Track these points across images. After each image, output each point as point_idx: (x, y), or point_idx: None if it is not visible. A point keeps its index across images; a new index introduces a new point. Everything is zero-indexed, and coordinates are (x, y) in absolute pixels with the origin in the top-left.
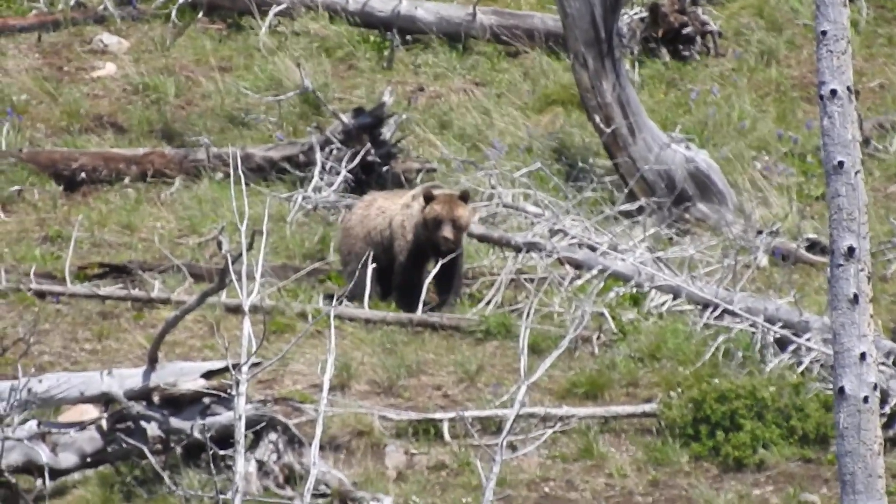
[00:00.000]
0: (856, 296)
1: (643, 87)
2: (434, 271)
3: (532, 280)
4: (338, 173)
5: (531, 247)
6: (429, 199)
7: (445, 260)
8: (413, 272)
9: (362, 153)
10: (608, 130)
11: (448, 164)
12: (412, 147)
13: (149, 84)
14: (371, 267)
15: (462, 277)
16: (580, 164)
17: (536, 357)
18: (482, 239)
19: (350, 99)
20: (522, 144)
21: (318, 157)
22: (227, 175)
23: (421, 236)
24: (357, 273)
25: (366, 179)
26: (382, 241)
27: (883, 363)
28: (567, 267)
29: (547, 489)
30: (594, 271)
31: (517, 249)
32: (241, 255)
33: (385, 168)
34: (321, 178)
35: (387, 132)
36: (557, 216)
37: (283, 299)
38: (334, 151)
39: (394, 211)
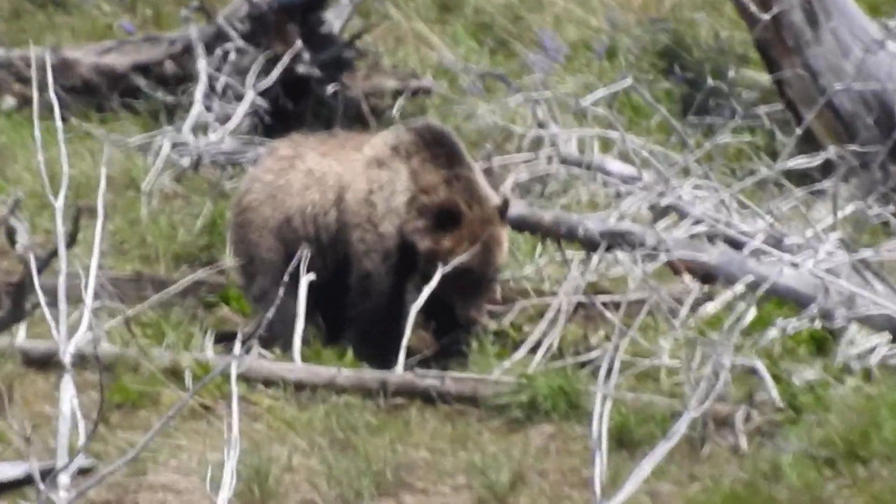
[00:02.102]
0: None
1: None
2: (425, 292)
3: (617, 305)
4: (239, 98)
5: (616, 240)
6: (446, 218)
7: (448, 269)
8: (389, 293)
9: (286, 59)
10: (765, 17)
11: (454, 82)
12: (384, 49)
13: None
14: (305, 279)
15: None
16: (710, 82)
17: (627, 456)
18: (521, 226)
19: None
20: (599, 44)
21: (203, 66)
22: (26, 101)
23: (409, 241)
24: (274, 293)
25: (293, 110)
26: (321, 235)
27: None
28: (686, 278)
29: None
30: (739, 286)
31: (589, 245)
32: (54, 254)
33: (331, 89)
34: (208, 108)
35: (334, 19)
36: (667, 181)
37: (136, 343)
38: (232, 56)
39: (346, 174)
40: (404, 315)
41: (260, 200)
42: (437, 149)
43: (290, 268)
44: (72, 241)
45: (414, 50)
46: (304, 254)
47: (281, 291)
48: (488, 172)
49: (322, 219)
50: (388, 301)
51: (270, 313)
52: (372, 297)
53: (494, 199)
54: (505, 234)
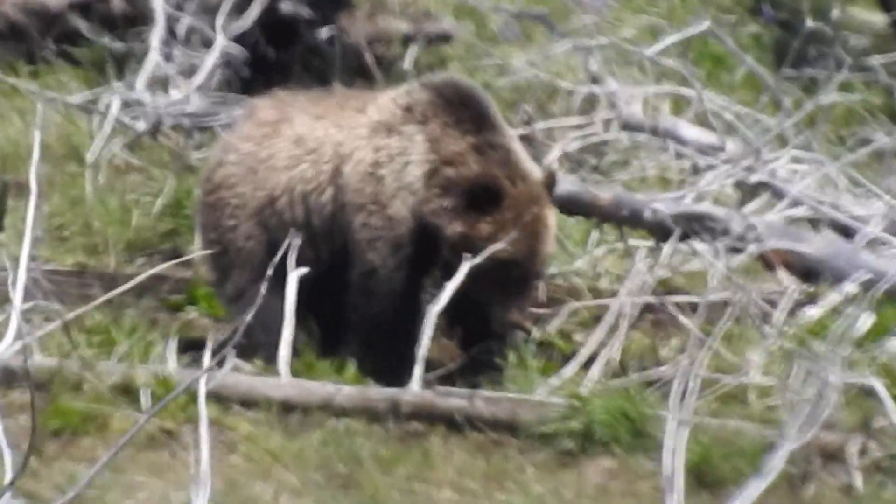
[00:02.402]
0: None
1: None
2: (449, 288)
3: (694, 308)
4: (208, 45)
5: (693, 226)
6: (483, 196)
7: (482, 260)
8: (401, 292)
9: None
10: None
11: (481, 25)
12: None
13: None
14: (294, 273)
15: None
16: (810, 24)
17: (708, 499)
18: (571, 207)
19: None
20: None
21: (160, 2)
22: None
23: (431, 225)
24: (254, 292)
25: (277, 61)
26: (314, 219)
27: None
28: (782, 274)
29: None
30: (850, 285)
31: (659, 233)
32: None
33: (325, 33)
34: (167, 58)
35: None
36: (758, 152)
37: (78, 353)
38: None
39: (345, 142)
40: (420, 319)
41: (237, 175)
42: (462, 110)
43: (275, 260)
44: None
45: None
46: (293, 242)
47: (263, 289)
48: (527, 141)
49: (315, 199)
50: (399, 302)
51: (250, 316)
52: (379, 296)
53: (537, 174)
54: (553, 217)
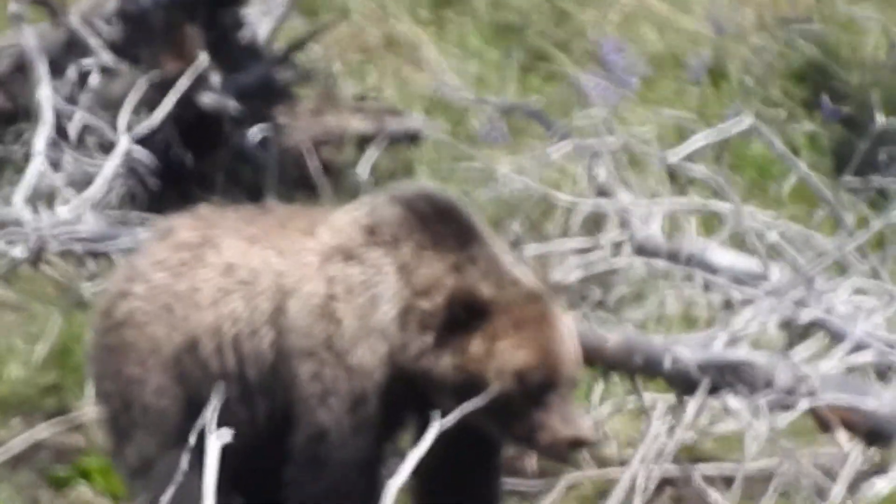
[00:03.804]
0: None
1: None
2: (413, 458)
3: (729, 481)
4: (107, 148)
5: (726, 376)
6: (463, 314)
7: (500, 388)
8: (361, 464)
9: (183, 84)
10: None
11: (459, 122)
12: (344, 67)
13: None
14: (217, 439)
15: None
16: (881, 121)
17: None
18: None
19: None
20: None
21: (46, 95)
22: None
23: (414, 373)
24: (165, 463)
25: (196, 168)
26: (248, 370)
27: None
28: (842, 436)
29: None
30: None
31: (683, 385)
32: None
33: (257, 133)
34: (55, 165)
35: (261, 18)
36: (810, 282)
37: None
38: (95, 79)
39: (289, 272)
40: (378, 498)
41: (146, 312)
42: (441, 226)
43: (197, 424)
44: None
45: (394, 69)
46: (217, 400)
47: (181, 461)
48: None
49: (249, 343)
50: (355, 475)
51: (161, 495)
52: (330, 467)
53: (535, 282)
54: (567, 317)
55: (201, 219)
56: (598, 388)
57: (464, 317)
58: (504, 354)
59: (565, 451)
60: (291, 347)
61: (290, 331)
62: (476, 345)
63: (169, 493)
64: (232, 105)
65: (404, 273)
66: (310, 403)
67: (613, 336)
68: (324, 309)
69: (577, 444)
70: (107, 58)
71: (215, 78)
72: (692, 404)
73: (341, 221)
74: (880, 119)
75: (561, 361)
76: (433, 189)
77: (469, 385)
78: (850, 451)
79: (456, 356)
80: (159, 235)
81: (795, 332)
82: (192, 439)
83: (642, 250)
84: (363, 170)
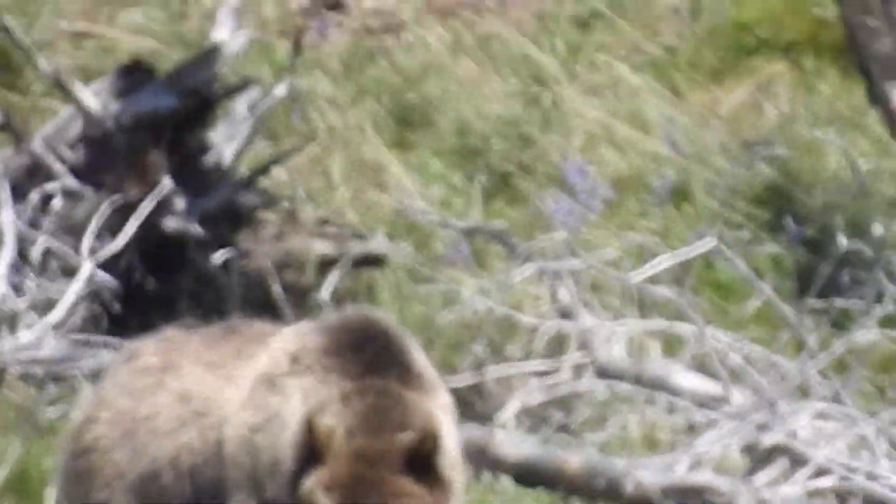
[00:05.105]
0: None
1: None
2: None
3: None
4: (69, 273)
5: (688, 499)
6: (305, 447)
7: None
8: None
9: (146, 208)
10: None
11: (423, 244)
12: (307, 190)
13: None
14: None
15: None
16: (843, 243)
17: None
18: (530, 476)
19: (112, 44)
20: (661, 180)
21: (9, 219)
22: None
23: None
24: None
25: (160, 292)
26: (203, 500)
27: None
28: None
29: None
30: None
31: None
32: None
33: (220, 257)
34: (16, 289)
35: (224, 142)
36: (773, 405)
37: None
38: (58, 203)
39: (229, 401)
40: None
41: (110, 438)
42: (354, 353)
43: None
44: None
45: (357, 191)
46: None
47: None
48: (477, 391)
49: (203, 475)
50: None
51: None
52: None
53: (422, 432)
54: (413, 493)
55: (166, 341)
56: None
57: (306, 451)
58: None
59: None
60: (228, 479)
61: (226, 461)
62: (308, 482)
63: None
64: (195, 229)
65: (306, 400)
66: None
67: (575, 459)
68: (248, 439)
69: None
70: (70, 182)
71: (179, 202)
72: None
73: (275, 346)
74: (843, 241)
75: None
76: (372, 315)
77: None
78: None
79: (295, 491)
80: (124, 359)
81: (757, 456)
82: None
83: (605, 373)
84: (326, 292)
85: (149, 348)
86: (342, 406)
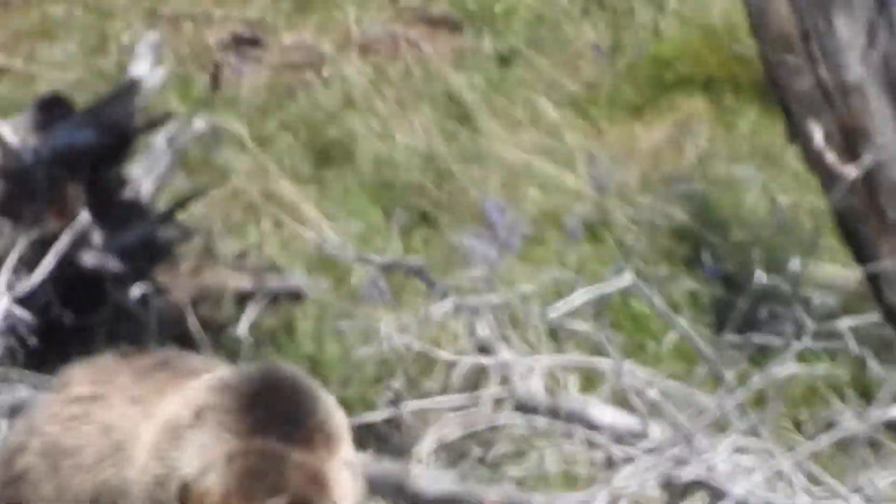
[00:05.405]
0: None
1: None
2: None
3: None
4: None
5: None
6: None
7: None
8: None
9: (64, 243)
10: (851, 172)
11: (341, 280)
12: (224, 225)
13: None
14: None
15: None
16: (761, 279)
17: None
18: None
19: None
20: (578, 217)
21: None
22: None
23: None
24: None
25: (77, 327)
26: None
27: None
28: None
29: None
30: None
31: None
32: None
33: (136, 292)
34: None
35: (143, 177)
36: (690, 440)
37: None
38: None
39: (141, 440)
40: None
41: (38, 470)
42: (251, 409)
43: None
44: None
45: (275, 227)
46: None
47: None
48: (394, 426)
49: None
50: None
51: None
52: None
53: (289, 498)
54: None
55: (99, 370)
56: None
57: None
58: None
59: None
60: None
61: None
62: None
63: None
64: (113, 264)
65: (200, 458)
66: None
67: (492, 494)
68: (151, 490)
69: None
70: None
71: (97, 236)
72: None
73: (187, 394)
74: (760, 277)
75: None
76: (273, 369)
77: None
78: None
79: None
80: (60, 385)
81: (676, 491)
82: None
83: (523, 407)
84: (243, 327)
85: (82, 376)
86: (226, 467)
